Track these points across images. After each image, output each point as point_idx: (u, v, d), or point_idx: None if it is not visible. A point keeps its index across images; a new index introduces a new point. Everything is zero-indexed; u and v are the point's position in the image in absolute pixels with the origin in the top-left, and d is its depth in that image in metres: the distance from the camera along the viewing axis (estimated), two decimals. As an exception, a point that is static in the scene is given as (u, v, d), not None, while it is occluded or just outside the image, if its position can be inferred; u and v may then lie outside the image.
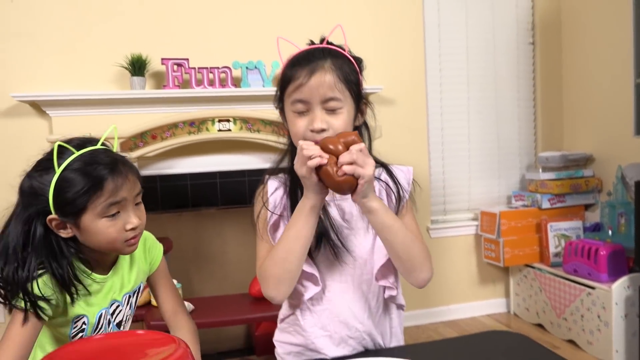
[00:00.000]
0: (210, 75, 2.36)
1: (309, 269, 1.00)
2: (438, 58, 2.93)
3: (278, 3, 2.57)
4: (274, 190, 1.05)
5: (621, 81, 2.61)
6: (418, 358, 0.94)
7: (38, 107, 2.27)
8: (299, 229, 0.93)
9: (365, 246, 1.03)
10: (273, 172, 1.11)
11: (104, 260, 1.04)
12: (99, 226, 0.94)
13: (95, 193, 0.92)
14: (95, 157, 0.96)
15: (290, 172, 1.05)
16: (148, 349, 0.62)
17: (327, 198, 1.02)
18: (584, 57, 2.93)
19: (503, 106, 3.08)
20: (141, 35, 2.40)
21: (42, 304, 0.93)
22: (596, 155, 2.89)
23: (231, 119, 2.19)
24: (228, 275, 2.56)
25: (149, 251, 1.16)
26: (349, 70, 1.00)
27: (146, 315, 2.04)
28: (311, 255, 1.00)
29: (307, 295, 1.02)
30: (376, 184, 1.06)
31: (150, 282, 1.17)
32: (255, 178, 2.44)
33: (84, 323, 1.01)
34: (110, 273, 1.05)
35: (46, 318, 0.95)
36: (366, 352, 1.04)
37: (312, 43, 1.05)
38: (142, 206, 1.04)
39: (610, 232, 2.67)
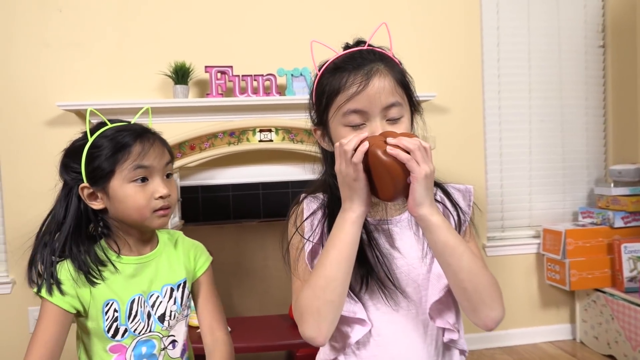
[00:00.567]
0: (255, 83, 2.28)
1: (353, 306, 0.85)
2: (496, 63, 2.73)
3: (324, 7, 2.47)
4: (310, 213, 0.91)
5: None
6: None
7: (84, 116, 2.26)
8: (341, 250, 0.79)
9: (420, 281, 0.88)
10: (311, 190, 0.98)
11: (136, 242, 1.02)
12: (127, 191, 0.95)
13: (123, 156, 0.94)
14: (126, 126, 0.99)
15: (331, 190, 0.92)
16: None
17: (372, 220, 0.88)
18: (663, 60, 2.64)
19: (569, 114, 2.83)
20: (185, 42, 2.36)
21: (65, 289, 0.93)
22: (678, 169, 2.59)
23: (273, 129, 2.09)
24: (269, 290, 2.46)
25: (197, 253, 1.13)
26: (402, 73, 0.88)
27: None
28: (354, 291, 0.86)
29: (353, 338, 0.87)
30: None
31: (193, 290, 1.12)
32: (300, 190, 2.31)
33: (115, 310, 0.97)
34: (143, 257, 1.02)
35: (72, 310, 0.94)
36: None
37: (348, 47, 0.91)
38: (173, 180, 1.04)
39: (695, 256, 2.37)
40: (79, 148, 0.97)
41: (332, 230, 0.82)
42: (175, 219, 2.10)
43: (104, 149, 0.94)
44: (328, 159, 0.94)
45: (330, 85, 0.86)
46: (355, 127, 0.84)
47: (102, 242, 1.01)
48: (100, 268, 0.96)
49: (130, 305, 0.99)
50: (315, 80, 0.90)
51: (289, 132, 2.11)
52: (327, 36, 0.95)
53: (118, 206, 0.96)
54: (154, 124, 2.15)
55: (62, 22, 2.28)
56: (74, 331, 1.03)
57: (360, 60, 0.85)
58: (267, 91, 2.29)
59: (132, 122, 1.02)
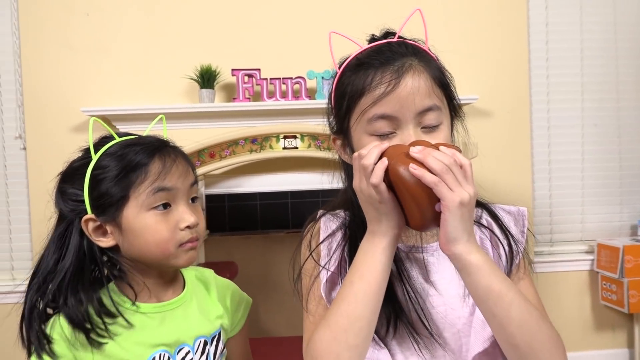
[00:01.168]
0: (283, 87, 2.16)
1: (378, 353, 0.70)
2: (545, 63, 2.52)
3: (356, 5, 2.33)
4: (329, 234, 0.77)
5: None
6: None
7: (109, 122, 2.20)
8: (369, 282, 0.64)
9: (461, 326, 0.71)
10: (331, 206, 0.84)
11: (155, 285, 0.82)
12: (146, 221, 0.76)
13: (138, 177, 0.76)
14: (138, 140, 0.80)
15: (353, 208, 0.78)
16: None
17: (402, 246, 0.74)
18: None
19: (626, 119, 2.57)
20: (212, 45, 2.27)
21: (57, 350, 0.74)
22: None
23: (298, 135, 1.95)
24: (297, 305, 2.33)
25: (236, 299, 0.92)
26: (441, 71, 0.72)
27: None
28: (378, 334, 0.71)
29: None
30: (476, 230, 0.76)
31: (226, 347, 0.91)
32: (330, 200, 2.19)
33: None
34: (167, 303, 0.81)
35: None
36: None
37: (375, 39, 0.76)
38: (199, 206, 0.85)
39: None
40: (79, 169, 0.78)
41: (357, 256, 0.67)
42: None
43: (112, 170, 0.76)
44: (350, 173, 0.80)
45: (353, 85, 0.71)
46: (383, 136, 0.69)
47: (112, 285, 0.80)
48: (107, 321, 0.75)
49: None
50: (335, 80, 0.77)
51: (316, 139, 1.97)
52: (359, 36, 0.80)
53: (134, 241, 0.77)
54: (180, 129, 2.09)
55: (88, 26, 2.24)
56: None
57: (389, 54, 0.71)
58: (296, 95, 2.17)
59: (144, 134, 0.84)
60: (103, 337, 0.75)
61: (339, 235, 0.77)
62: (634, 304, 2.28)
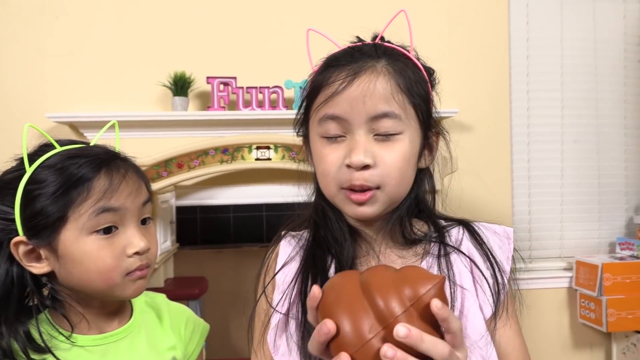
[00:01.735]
0: (260, 96, 2.09)
1: None
2: (526, 78, 2.50)
3: (335, 16, 2.28)
4: (286, 260, 0.71)
5: None
6: None
7: (76, 128, 2.11)
8: None
9: None
10: (295, 224, 0.78)
11: (96, 316, 0.72)
12: (87, 247, 0.66)
13: (80, 194, 0.65)
14: (82, 150, 0.71)
15: (315, 226, 0.72)
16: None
17: None
18: None
19: (606, 135, 2.57)
20: (186, 51, 2.19)
21: None
22: None
23: (271, 146, 1.88)
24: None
25: (190, 327, 0.84)
26: (415, 79, 0.65)
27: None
28: None
29: None
30: (454, 259, 0.69)
31: None
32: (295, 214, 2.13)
33: None
34: (109, 335, 0.72)
35: None
36: None
37: (360, 40, 0.71)
38: (152, 228, 0.75)
39: None
40: (11, 183, 0.68)
41: None
42: (167, 243, 1.91)
43: (50, 185, 0.66)
44: (316, 181, 0.73)
45: (315, 82, 0.67)
46: (332, 139, 0.64)
47: (44, 315, 0.70)
48: (34, 358, 0.65)
49: None
50: (309, 80, 0.71)
51: (290, 150, 1.90)
52: (330, 47, 0.75)
53: (72, 269, 0.67)
54: (151, 138, 2.00)
55: (57, 29, 2.15)
56: None
57: (357, 55, 0.66)
58: (273, 105, 2.10)
59: (92, 143, 0.75)
60: None
61: (295, 263, 0.71)
62: (612, 323, 2.26)
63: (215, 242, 2.13)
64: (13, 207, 0.67)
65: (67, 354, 0.68)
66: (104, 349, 0.72)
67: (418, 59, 0.70)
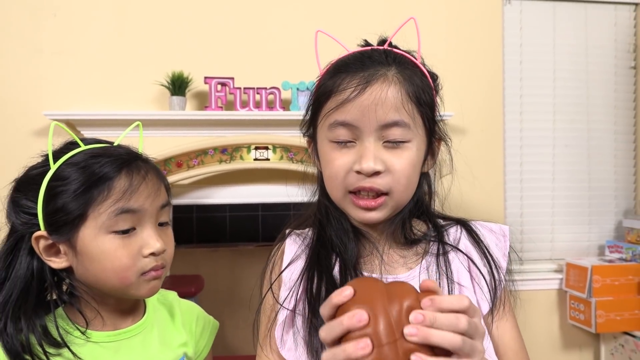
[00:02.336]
0: (257, 97, 2.11)
1: None
2: (519, 82, 2.54)
3: (333, 17, 2.31)
4: (292, 257, 0.73)
5: None
6: None
7: (73, 127, 2.11)
8: None
9: None
10: (298, 222, 0.80)
11: (111, 314, 0.74)
12: (105, 245, 0.67)
13: (100, 193, 0.67)
14: (105, 150, 0.72)
15: (320, 225, 0.73)
16: None
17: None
18: (701, 84, 2.43)
19: (596, 140, 2.62)
20: (185, 51, 2.21)
21: None
22: None
23: (270, 146, 1.90)
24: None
25: (201, 325, 0.85)
26: (422, 87, 0.67)
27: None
28: None
29: None
30: (453, 258, 0.71)
31: None
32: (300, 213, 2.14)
33: None
34: (122, 331, 0.74)
35: None
36: None
37: (368, 44, 0.73)
38: (169, 230, 0.77)
39: None
40: (35, 179, 0.70)
41: None
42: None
43: (72, 182, 0.67)
44: (321, 179, 0.75)
45: (324, 86, 0.68)
46: (342, 144, 0.65)
47: (61, 310, 0.71)
48: (50, 352, 0.66)
49: None
50: (316, 82, 0.73)
51: (288, 151, 1.92)
52: (335, 50, 0.76)
53: (89, 266, 0.68)
54: (148, 136, 2.01)
55: (55, 27, 2.15)
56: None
57: (368, 61, 0.67)
58: (270, 105, 2.12)
59: (116, 143, 0.76)
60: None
61: (300, 261, 0.73)
62: (601, 324, 2.30)
63: (211, 241, 2.15)
64: (36, 202, 0.69)
65: (81, 349, 0.69)
66: (117, 345, 0.73)
67: (424, 64, 0.73)
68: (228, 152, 1.87)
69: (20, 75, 2.13)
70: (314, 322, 0.65)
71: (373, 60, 0.67)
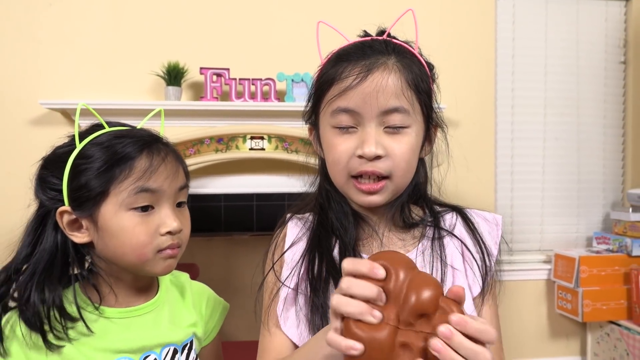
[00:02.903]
0: (252, 88, 2.13)
1: None
2: (511, 76, 2.58)
3: (328, 9, 2.33)
4: (294, 239, 0.76)
5: None
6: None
7: (69, 116, 2.13)
8: None
9: None
10: (299, 207, 0.83)
11: (126, 291, 0.77)
12: (125, 222, 0.70)
13: (121, 172, 0.70)
14: (129, 132, 0.75)
15: (321, 210, 0.76)
16: None
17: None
18: (688, 79, 2.48)
19: (586, 133, 2.67)
20: (180, 41, 2.22)
21: (9, 349, 0.68)
22: (702, 195, 2.41)
23: (265, 137, 1.92)
24: (259, 309, 2.30)
25: (211, 306, 0.88)
26: (420, 75, 0.71)
27: None
28: None
29: None
30: (448, 242, 0.74)
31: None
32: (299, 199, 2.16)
33: None
34: (135, 309, 0.76)
35: None
36: None
37: (367, 35, 0.76)
38: (186, 211, 0.79)
39: None
40: (62, 157, 0.72)
41: (310, 341, 0.62)
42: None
43: (96, 161, 0.70)
44: (323, 166, 0.77)
45: (327, 75, 0.71)
46: (344, 129, 0.68)
47: (77, 286, 0.74)
48: (67, 325, 0.70)
49: None
50: (317, 71, 0.76)
51: (283, 141, 1.95)
52: (332, 39, 0.79)
53: (109, 241, 0.71)
54: (145, 126, 2.03)
55: (51, 17, 2.15)
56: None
57: (368, 50, 0.70)
58: (265, 96, 2.14)
59: (139, 127, 0.79)
60: (61, 339, 0.69)
61: (302, 243, 0.76)
62: (587, 313, 2.35)
63: (206, 230, 2.17)
64: (62, 179, 0.72)
65: (93, 324, 0.72)
66: (129, 322, 0.75)
67: (421, 54, 0.76)
68: (224, 141, 1.89)
69: (16, 65, 2.13)
70: (315, 301, 0.69)
71: (374, 50, 0.70)
